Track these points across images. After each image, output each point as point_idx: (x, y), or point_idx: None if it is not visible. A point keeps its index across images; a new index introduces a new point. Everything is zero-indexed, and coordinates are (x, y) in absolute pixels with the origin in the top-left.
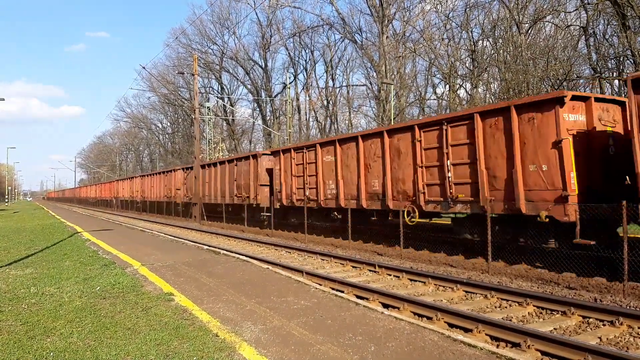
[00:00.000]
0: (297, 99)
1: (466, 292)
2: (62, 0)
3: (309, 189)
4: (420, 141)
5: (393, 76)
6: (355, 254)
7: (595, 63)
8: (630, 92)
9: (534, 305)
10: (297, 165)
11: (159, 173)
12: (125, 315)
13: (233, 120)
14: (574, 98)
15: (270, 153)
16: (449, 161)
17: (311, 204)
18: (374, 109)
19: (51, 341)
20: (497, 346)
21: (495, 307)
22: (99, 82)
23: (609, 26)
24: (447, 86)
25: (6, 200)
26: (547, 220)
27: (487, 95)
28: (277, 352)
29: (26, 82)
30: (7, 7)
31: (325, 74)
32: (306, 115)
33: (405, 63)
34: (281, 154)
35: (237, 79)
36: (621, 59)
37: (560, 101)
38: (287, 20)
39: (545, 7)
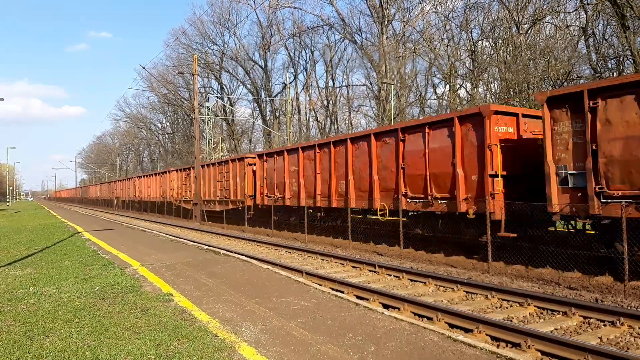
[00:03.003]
0: (297, 99)
1: (467, 292)
2: (66, 0)
3: None
4: None
5: (393, 76)
6: (355, 254)
7: (595, 63)
8: None
9: (534, 306)
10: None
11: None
12: (124, 315)
13: (233, 120)
14: None
15: (510, 111)
16: None
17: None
18: (374, 109)
19: (50, 341)
20: (498, 346)
21: (496, 307)
22: (100, 82)
23: (608, 26)
24: (447, 86)
25: (7, 200)
26: None
27: (488, 95)
28: (277, 352)
29: (28, 82)
30: (10, 7)
31: (325, 74)
32: (306, 115)
33: (405, 63)
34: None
35: (237, 79)
36: (621, 59)
37: None
38: (287, 20)
39: (544, 7)
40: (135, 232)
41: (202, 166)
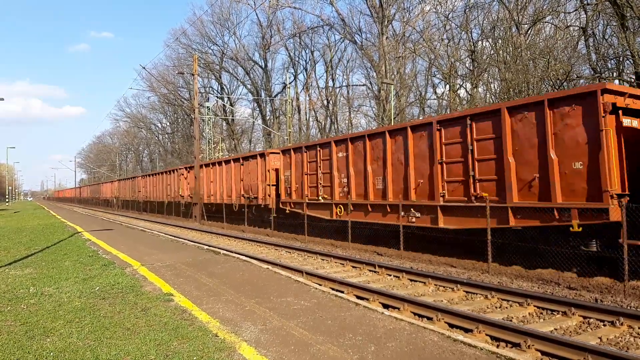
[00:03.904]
0: (297, 99)
1: (466, 292)
2: (66, 0)
3: None
4: None
5: (393, 76)
6: (355, 254)
7: (595, 63)
8: None
9: (534, 306)
10: None
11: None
12: (125, 315)
13: (233, 120)
14: None
15: None
16: None
17: None
18: (374, 109)
19: (51, 341)
20: (498, 346)
21: (496, 307)
22: (101, 82)
23: (608, 27)
24: (447, 86)
25: (7, 200)
26: None
27: (488, 95)
28: (277, 352)
29: (28, 82)
30: (10, 7)
31: (325, 74)
32: (306, 115)
33: (405, 63)
34: None
35: (237, 79)
36: (621, 59)
37: None
38: (287, 20)
39: (544, 7)
40: (135, 232)
41: (342, 141)
